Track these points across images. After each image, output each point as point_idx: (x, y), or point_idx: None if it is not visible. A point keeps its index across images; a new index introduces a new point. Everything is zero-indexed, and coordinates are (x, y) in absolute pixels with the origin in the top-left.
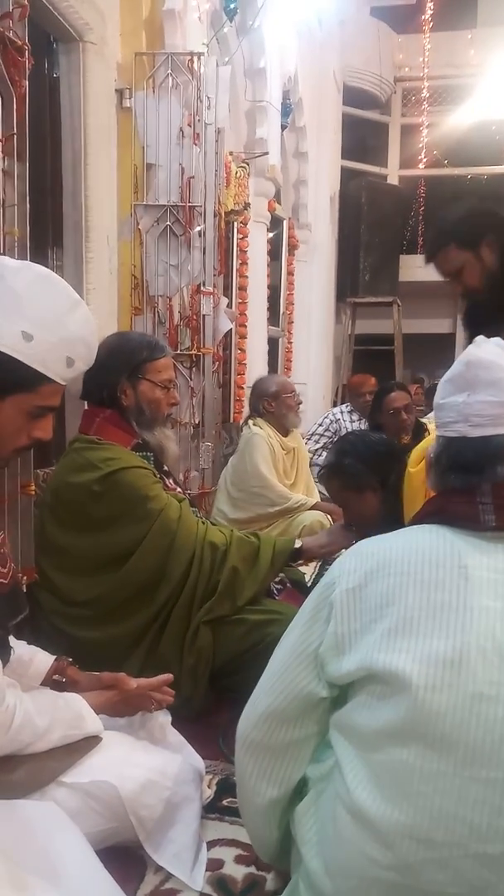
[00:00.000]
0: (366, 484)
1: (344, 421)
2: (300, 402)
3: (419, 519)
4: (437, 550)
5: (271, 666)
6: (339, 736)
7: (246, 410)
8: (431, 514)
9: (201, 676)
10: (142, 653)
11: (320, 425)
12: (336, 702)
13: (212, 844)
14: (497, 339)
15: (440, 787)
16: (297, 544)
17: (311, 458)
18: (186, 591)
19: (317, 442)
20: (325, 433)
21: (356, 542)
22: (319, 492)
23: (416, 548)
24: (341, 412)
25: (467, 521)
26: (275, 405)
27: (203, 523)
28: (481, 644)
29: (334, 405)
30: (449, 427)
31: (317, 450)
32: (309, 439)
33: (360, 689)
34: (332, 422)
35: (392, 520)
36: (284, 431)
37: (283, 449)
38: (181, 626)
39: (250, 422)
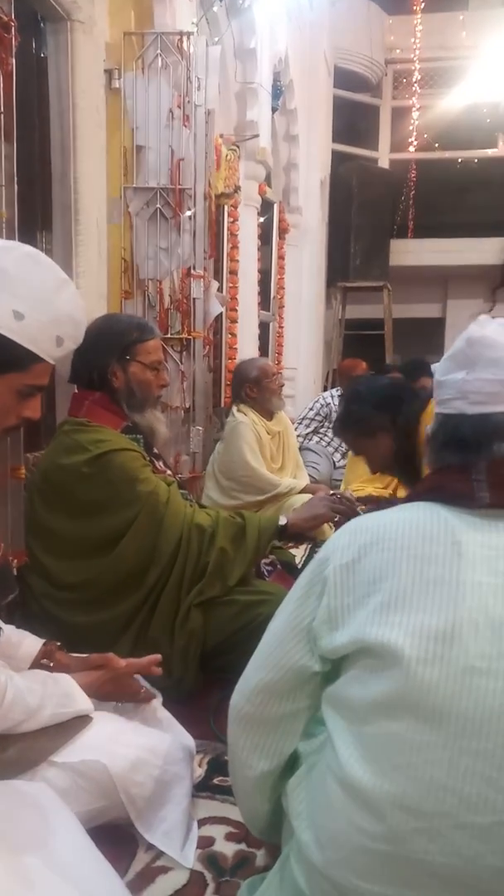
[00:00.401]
0: (376, 426)
1: (334, 405)
2: (282, 385)
3: (414, 496)
4: (431, 526)
5: (265, 640)
6: (331, 710)
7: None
8: (426, 492)
9: (192, 658)
10: (132, 635)
11: (311, 409)
12: (328, 677)
13: (202, 822)
14: (501, 319)
15: (431, 759)
16: (282, 521)
17: (302, 443)
18: (175, 573)
19: (307, 426)
20: (316, 417)
21: (340, 511)
22: (309, 474)
23: (410, 523)
24: (332, 396)
25: (462, 498)
26: (257, 390)
27: (191, 506)
28: (473, 618)
29: (324, 389)
30: (447, 404)
31: (307, 434)
32: (300, 424)
33: (353, 662)
34: (322, 406)
35: (404, 459)
36: (269, 415)
37: (269, 433)
38: (171, 609)
39: (234, 409)
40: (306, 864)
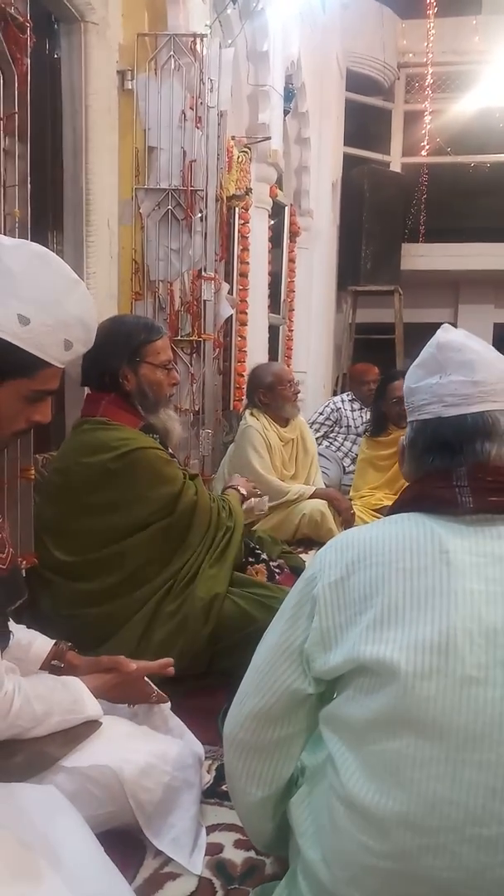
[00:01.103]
0: None
1: (345, 409)
2: (297, 392)
3: (397, 508)
4: (418, 538)
5: (255, 664)
6: (329, 731)
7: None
8: (409, 503)
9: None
10: (147, 613)
11: (321, 414)
12: (322, 697)
13: (211, 829)
14: (461, 329)
15: (433, 773)
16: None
17: None
18: (195, 558)
19: (317, 431)
20: (326, 422)
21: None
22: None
23: (396, 537)
24: (342, 401)
25: (446, 505)
26: (270, 397)
27: (213, 500)
28: (467, 627)
29: (334, 394)
30: (423, 410)
31: (317, 438)
32: (309, 428)
33: (349, 682)
34: (332, 410)
35: None
36: (283, 422)
37: (282, 440)
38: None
39: (247, 412)
40: (314, 882)
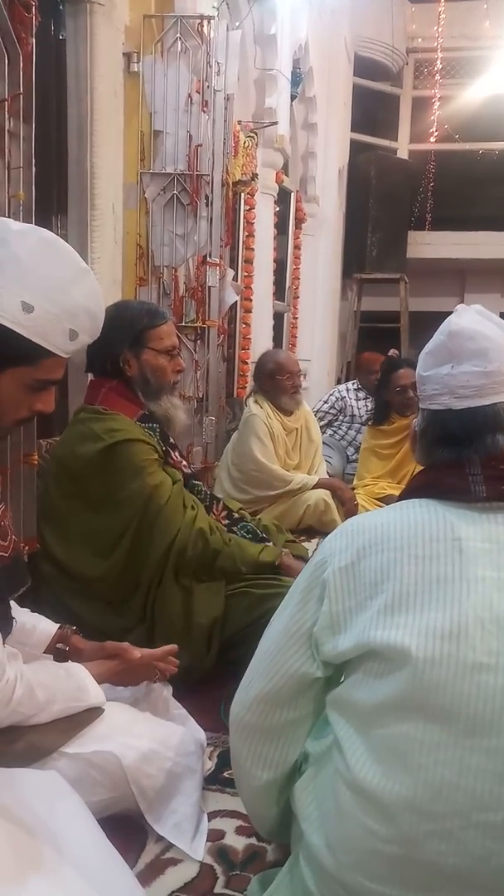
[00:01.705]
0: None
1: (350, 398)
2: (298, 386)
3: (408, 494)
4: (430, 525)
5: (262, 648)
6: (337, 714)
7: (251, 384)
8: (421, 489)
9: (200, 646)
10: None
11: (325, 402)
12: (329, 681)
13: (213, 815)
14: (477, 306)
15: (441, 759)
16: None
17: None
18: (168, 574)
19: (322, 419)
20: (330, 411)
21: None
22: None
23: (409, 523)
24: (347, 389)
25: (458, 492)
26: (268, 385)
27: (193, 508)
28: (479, 614)
29: (338, 382)
30: (434, 400)
31: (321, 427)
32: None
33: (358, 666)
34: (337, 399)
35: None
36: (286, 411)
37: (285, 429)
38: (173, 613)
39: (250, 400)
40: (317, 867)
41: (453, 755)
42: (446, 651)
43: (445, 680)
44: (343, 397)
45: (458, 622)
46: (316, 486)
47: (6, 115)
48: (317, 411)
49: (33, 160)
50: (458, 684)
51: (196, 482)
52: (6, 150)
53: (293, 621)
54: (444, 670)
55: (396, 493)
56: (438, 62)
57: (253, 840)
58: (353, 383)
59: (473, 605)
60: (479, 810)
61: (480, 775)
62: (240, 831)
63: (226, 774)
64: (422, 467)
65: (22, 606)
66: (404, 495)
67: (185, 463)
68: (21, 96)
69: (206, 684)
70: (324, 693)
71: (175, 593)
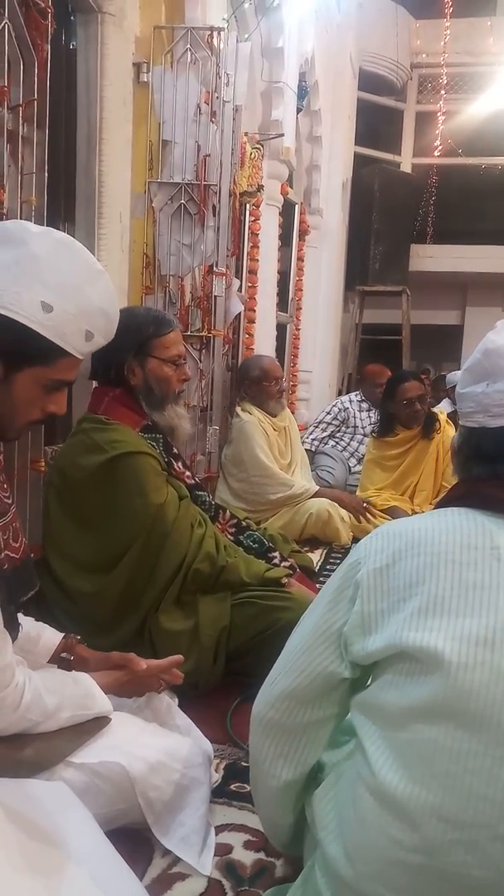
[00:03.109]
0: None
1: (353, 409)
2: (282, 390)
3: (447, 502)
4: (469, 532)
5: (291, 645)
6: (363, 717)
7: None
8: (460, 498)
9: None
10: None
11: (328, 413)
12: (355, 685)
13: (220, 829)
14: None
15: (470, 767)
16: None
17: (318, 447)
18: (169, 595)
19: (324, 430)
20: (333, 421)
21: None
22: (324, 478)
23: (447, 529)
24: (350, 401)
25: (497, 503)
26: (255, 390)
27: (201, 525)
28: None
29: (340, 393)
30: (470, 417)
31: (323, 438)
32: (316, 427)
33: (387, 667)
34: (340, 410)
35: None
36: (274, 414)
37: (275, 430)
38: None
39: (238, 409)
40: (333, 878)
41: (482, 764)
42: (480, 657)
43: (479, 686)
44: (346, 408)
45: (494, 629)
46: (318, 496)
47: (20, 121)
48: (319, 421)
49: (46, 166)
50: (492, 691)
51: (200, 493)
52: (20, 156)
53: (323, 620)
54: (478, 676)
55: (400, 504)
56: (443, 77)
57: (262, 855)
58: (357, 394)
59: None
60: None
61: None
62: (248, 846)
63: (233, 787)
64: (431, 478)
65: (27, 615)
66: (443, 503)
67: (188, 474)
68: (35, 102)
69: (212, 696)
70: (349, 696)
71: (176, 614)
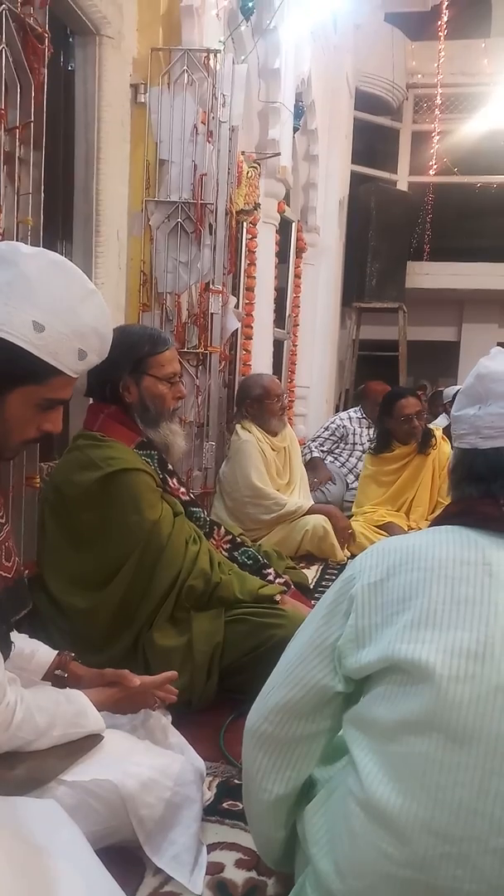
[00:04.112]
0: None
1: (352, 426)
2: (284, 407)
3: (441, 520)
4: (462, 548)
5: (285, 658)
6: (354, 730)
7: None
8: (454, 516)
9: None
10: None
11: (326, 429)
12: (348, 700)
13: (212, 848)
14: None
15: (460, 780)
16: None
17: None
18: (163, 612)
19: (321, 445)
20: (331, 438)
21: None
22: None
23: (441, 544)
24: (349, 417)
25: (491, 521)
26: (257, 408)
27: (196, 542)
28: None
29: (337, 410)
30: (463, 439)
31: (322, 453)
32: (313, 442)
33: (379, 680)
34: (338, 426)
35: None
36: (274, 433)
37: (274, 449)
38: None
39: (238, 426)
40: (325, 894)
41: (473, 777)
42: (471, 671)
43: (469, 700)
44: (344, 425)
45: (485, 643)
46: (311, 512)
47: (17, 142)
48: (317, 437)
49: (42, 186)
50: (482, 705)
51: (195, 509)
52: (16, 176)
53: (318, 633)
54: (468, 689)
55: (396, 520)
56: (438, 97)
57: (253, 874)
58: (356, 411)
59: (501, 628)
60: (497, 836)
61: (500, 800)
62: (239, 864)
63: (225, 805)
64: (427, 494)
65: (20, 633)
66: (438, 521)
67: (183, 490)
68: (32, 124)
69: (205, 713)
70: (342, 710)
71: (170, 630)
